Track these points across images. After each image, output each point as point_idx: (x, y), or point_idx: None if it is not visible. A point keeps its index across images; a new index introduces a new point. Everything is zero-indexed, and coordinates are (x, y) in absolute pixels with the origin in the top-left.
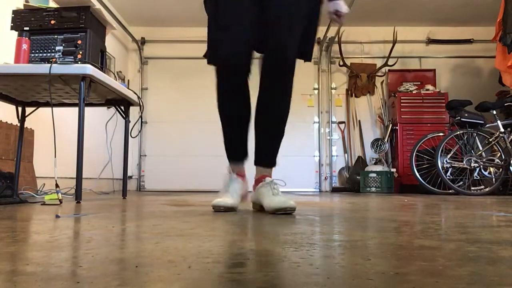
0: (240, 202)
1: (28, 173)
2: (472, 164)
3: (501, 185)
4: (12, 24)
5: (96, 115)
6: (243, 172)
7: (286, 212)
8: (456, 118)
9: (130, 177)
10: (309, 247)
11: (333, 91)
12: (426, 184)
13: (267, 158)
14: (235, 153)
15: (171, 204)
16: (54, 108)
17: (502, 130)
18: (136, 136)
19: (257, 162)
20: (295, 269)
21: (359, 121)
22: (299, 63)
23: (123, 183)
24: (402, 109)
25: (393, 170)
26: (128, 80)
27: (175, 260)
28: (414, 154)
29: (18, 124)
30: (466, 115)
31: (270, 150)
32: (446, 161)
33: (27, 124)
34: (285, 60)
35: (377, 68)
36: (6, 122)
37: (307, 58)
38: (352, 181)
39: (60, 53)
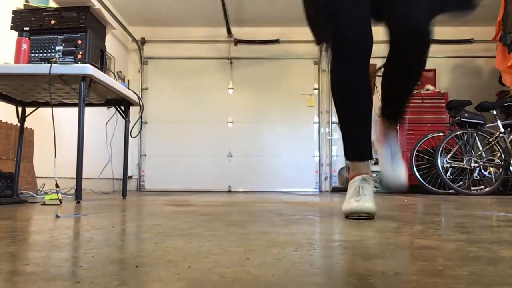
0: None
1: (28, 173)
2: (472, 164)
3: (501, 185)
4: (12, 24)
5: (96, 115)
6: (370, 174)
7: (360, 218)
8: (456, 118)
9: (130, 177)
10: (309, 247)
11: None
12: (426, 184)
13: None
14: (360, 149)
15: (171, 204)
16: (54, 108)
17: (502, 130)
18: (136, 136)
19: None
20: (295, 269)
21: None
22: (299, 63)
23: (123, 183)
24: None
25: None
26: (128, 80)
27: (175, 260)
28: (414, 154)
29: (18, 124)
30: (466, 115)
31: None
32: (446, 161)
33: (27, 124)
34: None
35: (377, 68)
36: (6, 122)
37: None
38: None
39: (60, 53)
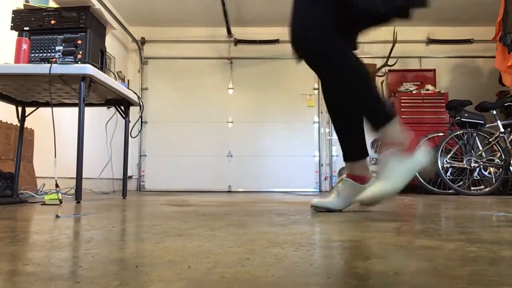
0: (347, 205)
1: (28, 173)
2: (472, 164)
3: (501, 185)
4: (12, 24)
5: (96, 115)
6: (356, 173)
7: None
8: (456, 118)
9: (130, 177)
10: (309, 247)
11: None
12: (426, 184)
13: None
14: (343, 152)
15: (171, 204)
16: (54, 108)
17: (502, 130)
18: (136, 136)
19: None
20: (295, 269)
21: None
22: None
23: (123, 183)
24: (402, 109)
25: None
26: (128, 80)
27: (175, 260)
28: None
29: (18, 124)
30: (466, 115)
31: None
32: (446, 161)
33: (27, 124)
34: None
35: (377, 68)
36: (6, 122)
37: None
38: None
39: (60, 53)
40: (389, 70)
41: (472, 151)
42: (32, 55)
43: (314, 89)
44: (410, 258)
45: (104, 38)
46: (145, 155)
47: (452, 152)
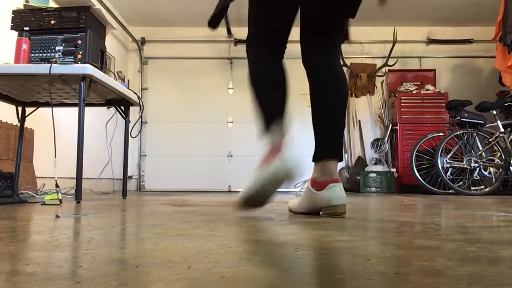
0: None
1: (28, 173)
2: (472, 164)
3: (501, 185)
4: (12, 24)
5: (96, 115)
6: (313, 177)
7: None
8: (456, 118)
9: (130, 177)
10: (309, 247)
11: None
12: (426, 184)
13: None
14: None
15: (171, 204)
16: (54, 108)
17: (502, 130)
18: (136, 136)
19: None
20: (295, 269)
21: (359, 121)
22: (299, 63)
23: (123, 183)
24: (402, 109)
25: (393, 170)
26: (128, 80)
27: (175, 260)
28: (414, 154)
29: (18, 124)
30: (466, 115)
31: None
32: (446, 161)
33: (27, 124)
34: None
35: (377, 68)
36: (6, 122)
37: None
38: (352, 181)
39: (60, 53)
40: (389, 70)
41: (472, 151)
42: (32, 55)
43: None
44: (410, 258)
45: (104, 38)
46: (145, 155)
47: (452, 152)
